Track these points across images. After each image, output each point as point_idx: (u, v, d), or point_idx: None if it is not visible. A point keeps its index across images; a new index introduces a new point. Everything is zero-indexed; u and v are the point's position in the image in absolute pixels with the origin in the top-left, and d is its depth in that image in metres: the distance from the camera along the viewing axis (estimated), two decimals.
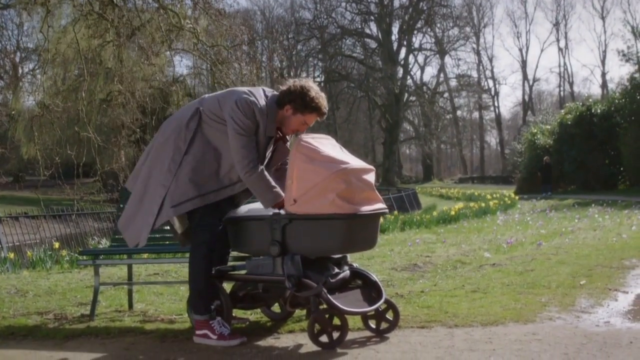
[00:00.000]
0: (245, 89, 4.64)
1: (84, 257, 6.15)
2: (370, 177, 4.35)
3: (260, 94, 4.60)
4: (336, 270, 4.36)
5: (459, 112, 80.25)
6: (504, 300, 5.52)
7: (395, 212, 18.87)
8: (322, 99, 4.55)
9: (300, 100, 4.51)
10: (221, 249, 4.70)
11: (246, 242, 4.54)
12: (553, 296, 5.62)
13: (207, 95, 4.86)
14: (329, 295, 4.10)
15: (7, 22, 35.55)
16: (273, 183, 4.49)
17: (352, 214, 4.12)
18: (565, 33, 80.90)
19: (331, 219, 4.12)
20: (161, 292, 6.66)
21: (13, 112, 27.73)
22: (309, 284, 4.16)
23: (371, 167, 4.40)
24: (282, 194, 4.41)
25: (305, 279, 4.19)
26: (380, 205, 4.38)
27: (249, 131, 4.44)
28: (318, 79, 77.27)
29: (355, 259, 4.58)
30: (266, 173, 4.50)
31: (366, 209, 4.22)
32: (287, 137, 4.82)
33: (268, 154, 4.66)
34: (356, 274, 4.53)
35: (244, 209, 4.63)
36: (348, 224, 4.15)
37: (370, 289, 4.47)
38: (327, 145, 4.36)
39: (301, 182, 4.16)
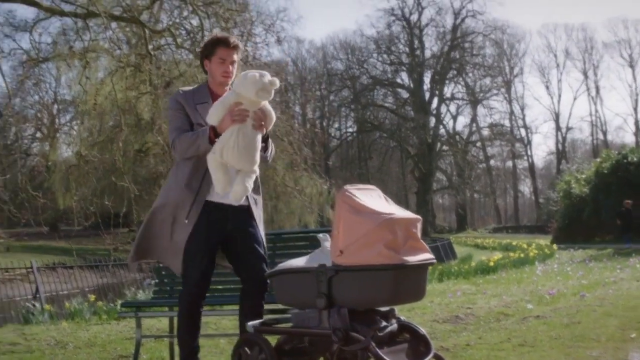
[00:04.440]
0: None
1: (124, 309, 6.09)
2: (417, 227, 4.26)
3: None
4: (384, 323, 4.25)
5: (492, 161, 79.95)
6: (554, 354, 5.36)
7: None
8: (220, 32, 4.78)
9: (204, 48, 4.79)
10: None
11: (291, 294, 4.44)
12: (604, 350, 5.45)
13: None
14: (377, 349, 3.99)
15: (46, 74, 36.14)
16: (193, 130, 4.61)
17: (399, 264, 4.02)
18: (595, 82, 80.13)
19: (379, 269, 4.03)
20: (201, 344, 6.53)
21: (49, 163, 28.06)
22: (357, 337, 4.04)
23: (417, 217, 4.31)
24: (210, 123, 4.46)
25: (353, 332, 4.07)
26: (428, 256, 4.28)
27: (172, 118, 4.66)
28: (350, 129, 77.81)
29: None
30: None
31: (413, 259, 4.12)
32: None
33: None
34: (404, 327, 4.41)
35: (295, 262, 4.55)
36: (396, 275, 4.04)
37: (419, 343, 4.34)
38: (372, 196, 4.30)
39: (347, 234, 4.08)
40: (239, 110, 4.32)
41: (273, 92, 4.37)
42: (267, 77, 4.33)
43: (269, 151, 4.69)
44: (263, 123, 4.43)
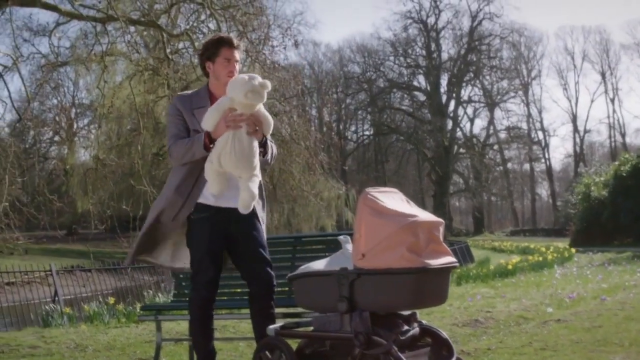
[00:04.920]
0: None
1: (144, 312, 6.09)
2: (439, 231, 4.23)
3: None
4: (406, 327, 4.22)
5: (509, 164, 79.58)
6: (576, 358, 5.31)
7: None
8: (220, 33, 4.75)
9: (205, 49, 4.70)
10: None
11: (312, 298, 4.42)
12: (627, 355, 5.38)
13: None
14: (399, 353, 3.96)
15: (64, 78, 36.36)
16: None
17: (422, 268, 3.99)
18: (613, 84, 79.49)
19: (401, 273, 3.99)
20: (220, 347, 6.55)
21: (68, 167, 28.21)
22: (378, 341, 4.01)
23: (440, 220, 4.28)
24: (205, 129, 4.42)
25: (374, 336, 4.05)
26: (450, 259, 4.24)
27: (170, 125, 4.66)
28: (367, 132, 77.67)
29: None
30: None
31: (436, 262, 4.09)
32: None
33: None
34: (426, 331, 4.38)
35: (315, 265, 4.52)
36: (418, 279, 4.01)
37: (441, 347, 4.31)
38: (394, 199, 4.27)
39: (369, 236, 4.05)
40: (233, 116, 4.31)
41: (265, 94, 4.36)
42: (257, 79, 4.32)
43: (269, 154, 4.64)
44: (257, 128, 4.40)
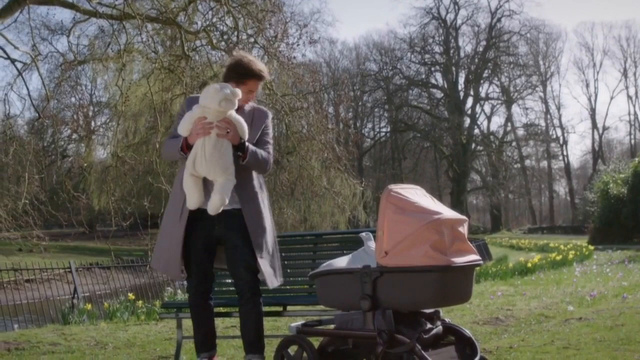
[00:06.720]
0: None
1: (165, 310, 6.08)
2: (463, 228, 4.19)
3: None
4: (429, 325, 4.18)
5: (527, 162, 79.24)
6: (600, 357, 5.24)
7: None
8: (256, 63, 4.75)
9: (234, 72, 4.74)
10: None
11: (335, 296, 4.39)
12: None
13: None
14: (422, 352, 3.92)
15: (82, 77, 36.51)
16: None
17: (446, 266, 3.95)
18: (635, 81, 79.00)
19: (424, 271, 3.96)
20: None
21: (85, 165, 28.32)
22: (402, 339, 3.98)
23: (464, 217, 4.24)
24: (181, 134, 4.61)
25: (397, 334, 4.01)
26: (474, 257, 4.20)
27: (175, 126, 4.75)
28: (384, 130, 77.49)
29: None
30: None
31: (460, 260, 4.05)
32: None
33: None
34: (449, 329, 4.34)
35: (337, 262, 4.49)
36: (442, 277, 3.98)
37: (464, 346, 4.26)
38: (418, 196, 4.23)
39: (392, 234, 4.01)
40: (202, 124, 4.47)
41: (237, 101, 4.53)
42: (228, 88, 4.51)
43: (249, 158, 4.63)
44: (229, 131, 4.49)
